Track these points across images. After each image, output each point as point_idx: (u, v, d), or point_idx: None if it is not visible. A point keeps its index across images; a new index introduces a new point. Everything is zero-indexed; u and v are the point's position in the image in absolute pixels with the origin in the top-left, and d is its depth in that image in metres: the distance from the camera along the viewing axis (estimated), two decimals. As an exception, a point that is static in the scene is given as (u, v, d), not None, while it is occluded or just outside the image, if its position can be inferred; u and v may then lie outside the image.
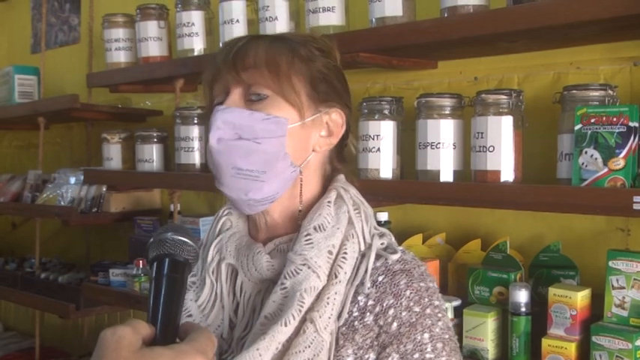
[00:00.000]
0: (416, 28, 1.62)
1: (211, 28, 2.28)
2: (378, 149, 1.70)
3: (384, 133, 1.71)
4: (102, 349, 0.71)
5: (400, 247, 1.06)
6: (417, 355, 0.95)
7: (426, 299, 0.99)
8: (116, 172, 2.58)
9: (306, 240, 1.00)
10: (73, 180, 2.88)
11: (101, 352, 0.71)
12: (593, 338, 1.42)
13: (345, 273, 1.00)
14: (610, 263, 1.44)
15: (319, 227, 1.01)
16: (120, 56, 2.56)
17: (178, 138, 2.23)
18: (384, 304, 0.98)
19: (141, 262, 2.41)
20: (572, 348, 1.44)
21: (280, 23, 1.93)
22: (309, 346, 0.94)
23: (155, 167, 2.41)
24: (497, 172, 1.52)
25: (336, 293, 0.98)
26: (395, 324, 0.97)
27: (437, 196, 1.59)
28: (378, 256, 1.02)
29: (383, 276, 1.01)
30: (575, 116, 1.42)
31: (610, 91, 1.45)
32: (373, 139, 1.71)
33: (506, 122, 1.52)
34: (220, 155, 1.01)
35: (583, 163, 1.40)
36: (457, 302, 1.62)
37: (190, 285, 1.08)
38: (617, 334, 1.39)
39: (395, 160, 1.73)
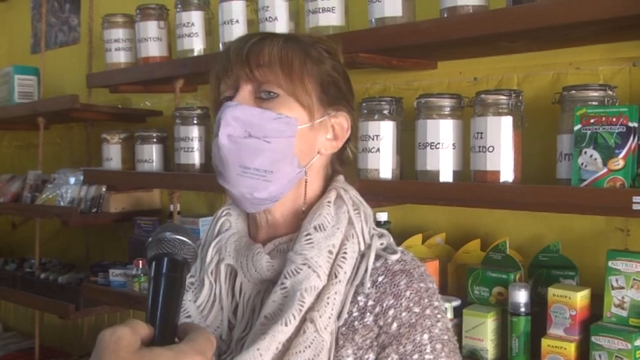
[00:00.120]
0: (415, 29, 1.62)
1: (211, 28, 2.28)
2: (378, 149, 1.70)
3: (383, 133, 1.71)
4: (101, 349, 0.71)
5: (399, 248, 1.06)
6: (416, 356, 0.95)
7: (426, 300, 0.99)
8: (116, 172, 2.58)
9: (307, 240, 1.00)
10: (72, 180, 2.88)
11: (100, 353, 0.71)
12: (593, 338, 1.42)
13: (345, 273, 1.00)
14: (609, 263, 1.44)
15: (319, 227, 1.01)
16: (120, 56, 2.56)
17: (178, 138, 2.23)
18: (384, 305, 0.98)
19: (140, 262, 2.41)
20: (571, 348, 1.44)
21: (280, 23, 1.93)
22: (310, 346, 0.94)
23: (155, 167, 2.41)
24: (497, 173, 1.52)
25: (336, 293, 0.98)
26: (395, 324, 0.97)
27: (436, 197, 1.59)
28: (377, 257, 1.02)
29: (383, 276, 1.01)
30: (574, 116, 1.42)
31: (609, 92, 1.45)
32: (373, 139, 1.71)
33: (506, 122, 1.52)
34: (229, 152, 1.00)
35: (582, 164, 1.40)
36: (457, 302, 1.63)
37: (189, 286, 1.08)
38: (616, 334, 1.39)
39: (394, 160, 1.73)
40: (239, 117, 0.99)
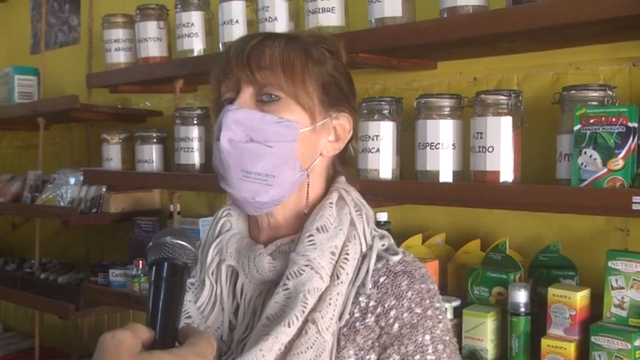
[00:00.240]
0: (415, 29, 1.62)
1: (211, 28, 2.28)
2: (378, 150, 1.71)
3: (383, 133, 1.71)
4: (101, 352, 0.71)
5: (400, 249, 1.06)
6: (418, 357, 0.96)
7: (427, 301, 0.99)
8: (116, 172, 2.58)
9: (309, 241, 1.00)
10: (72, 180, 2.88)
11: (101, 356, 0.71)
12: (593, 338, 1.42)
13: (347, 274, 1.00)
14: (609, 263, 1.44)
15: (322, 228, 1.01)
16: (119, 57, 2.56)
17: (178, 138, 2.23)
18: (386, 305, 0.98)
19: (140, 262, 2.41)
20: (571, 348, 1.44)
21: (280, 24, 1.93)
22: (311, 347, 0.94)
23: (155, 168, 2.41)
24: (497, 173, 1.52)
25: (338, 294, 0.98)
26: (396, 325, 0.97)
27: (436, 197, 1.59)
28: (379, 258, 1.03)
29: (384, 277, 1.01)
30: (574, 117, 1.42)
31: (609, 92, 1.45)
32: (373, 139, 1.71)
33: (506, 123, 1.52)
34: (230, 157, 0.99)
35: (582, 164, 1.40)
36: (457, 302, 1.63)
37: (189, 286, 1.07)
38: (616, 334, 1.39)
39: (394, 160, 1.73)
40: (240, 121, 0.99)
